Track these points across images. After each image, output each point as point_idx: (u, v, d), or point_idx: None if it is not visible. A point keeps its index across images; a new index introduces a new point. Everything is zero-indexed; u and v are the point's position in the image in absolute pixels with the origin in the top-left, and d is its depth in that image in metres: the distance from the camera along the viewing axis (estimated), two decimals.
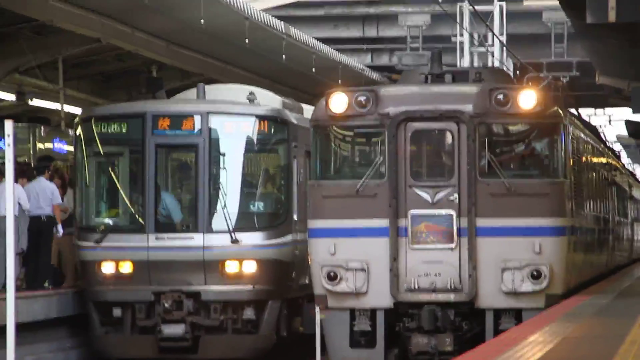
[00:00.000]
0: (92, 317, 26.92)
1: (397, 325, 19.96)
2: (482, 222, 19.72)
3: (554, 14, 43.49)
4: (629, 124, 46.58)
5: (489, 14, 43.52)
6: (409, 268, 19.84)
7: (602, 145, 34.48)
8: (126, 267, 26.66)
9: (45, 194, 27.55)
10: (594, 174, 28.00)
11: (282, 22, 38.34)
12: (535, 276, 19.61)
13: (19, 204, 26.11)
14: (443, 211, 19.84)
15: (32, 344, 25.33)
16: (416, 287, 19.78)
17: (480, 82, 20.73)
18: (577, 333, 16.02)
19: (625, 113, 46.58)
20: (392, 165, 19.92)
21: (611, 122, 53.07)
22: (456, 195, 19.86)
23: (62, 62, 33.95)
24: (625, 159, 54.15)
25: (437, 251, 19.78)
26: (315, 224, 20.64)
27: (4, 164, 17.95)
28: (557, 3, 36.20)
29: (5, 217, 21.42)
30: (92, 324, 26.99)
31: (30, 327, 24.88)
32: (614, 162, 37.87)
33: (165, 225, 26.72)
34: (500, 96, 19.81)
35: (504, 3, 44.83)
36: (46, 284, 27.83)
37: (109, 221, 27.29)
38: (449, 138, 20.01)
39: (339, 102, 20.15)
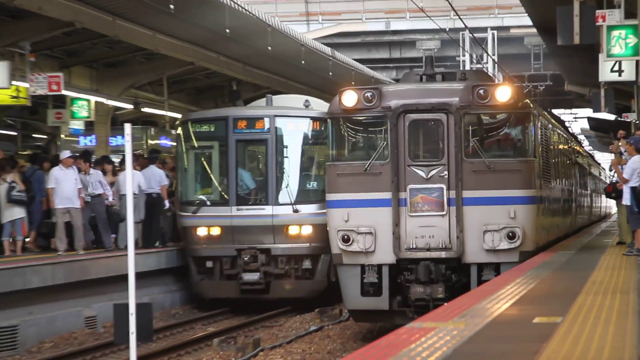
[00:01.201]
0: (191, 268, 27.16)
1: (399, 277, 19.34)
2: (467, 194, 19.05)
3: (533, 39, 43.42)
4: (590, 120, 46.40)
5: (484, 40, 43.51)
6: (408, 231, 19.17)
7: (566, 134, 34.04)
8: (215, 231, 26.86)
9: (155, 178, 27.89)
10: (560, 155, 27.44)
11: (329, 48, 38.58)
12: (511, 237, 18.99)
13: (139, 185, 26.58)
14: (435, 185, 19.17)
15: (148, 287, 25.67)
16: (414, 246, 19.16)
17: (465, 81, 20.05)
18: (550, 277, 16.01)
19: (587, 112, 46.44)
20: (393, 148, 19.27)
21: (576, 119, 52.83)
22: (446, 172, 19.17)
23: (166, 80, 34.29)
24: (587, 147, 54.07)
25: (430, 217, 19.12)
26: (332, 197, 20.04)
27: (124, 156, 18.37)
28: (536, 30, 36.34)
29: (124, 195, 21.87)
30: (190, 273, 27.22)
31: (146, 275, 25.26)
32: (576, 147, 37.34)
33: (244, 199, 26.95)
34: (481, 91, 19.16)
35: (495, 31, 44.80)
36: (157, 244, 28.20)
37: (202, 197, 27.43)
38: (439, 126, 19.34)
39: (349, 97, 19.55)
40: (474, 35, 40.83)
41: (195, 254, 27.11)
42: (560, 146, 27.85)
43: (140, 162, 28.04)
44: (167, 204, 28.27)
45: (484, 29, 44.24)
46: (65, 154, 25.33)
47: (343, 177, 19.66)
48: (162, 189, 27.85)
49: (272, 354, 19.73)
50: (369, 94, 19.38)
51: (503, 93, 19.18)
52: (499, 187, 19.08)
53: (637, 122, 29.36)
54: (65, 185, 24.59)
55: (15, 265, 21.84)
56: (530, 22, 35.30)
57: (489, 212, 19.04)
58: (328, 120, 20.31)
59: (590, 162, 43.91)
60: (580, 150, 40.50)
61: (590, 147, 55.55)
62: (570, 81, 38.64)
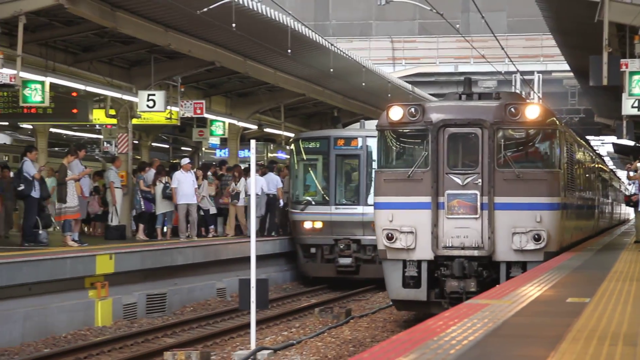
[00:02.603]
0: (299, 252, 27.27)
1: (436, 272, 17.62)
2: (498, 200, 17.33)
3: (570, 81, 42.93)
4: (614, 145, 45.95)
5: (531, 80, 43.08)
6: (445, 231, 17.44)
7: (591, 151, 31.75)
8: (318, 224, 26.91)
9: (273, 182, 28.09)
10: (583, 168, 25.17)
11: (410, 85, 38.31)
12: (537, 239, 17.21)
13: (262, 188, 26.73)
14: (470, 191, 17.46)
15: (265, 267, 25.76)
16: (450, 245, 17.42)
17: (499, 100, 18.41)
18: (578, 268, 15.78)
19: (612, 139, 45.91)
20: (434, 158, 17.58)
21: (603, 144, 52.12)
22: (480, 180, 17.44)
23: (283, 107, 34.47)
24: (611, 166, 53.42)
25: (465, 220, 17.39)
26: (379, 199, 18.13)
27: (249, 165, 18.45)
28: (572, 74, 35.91)
29: (250, 195, 21.97)
30: (298, 256, 27.33)
31: (264, 257, 25.38)
32: (599, 163, 35.24)
33: (340, 200, 27.05)
34: (513, 109, 17.51)
35: (540, 74, 44.33)
36: (273, 233, 28.32)
37: (308, 198, 27.54)
38: (475, 139, 17.66)
39: (396, 112, 17.84)
40: (524, 77, 40.44)
41: (302, 242, 27.22)
42: (584, 161, 25.66)
43: (262, 170, 28.24)
44: (281, 202, 28.41)
45: (532, 72, 43.75)
46: (185, 160, 25.57)
47: (389, 182, 17.96)
48: (277, 190, 27.99)
49: (361, 321, 19.70)
50: (413, 109, 17.79)
51: (532, 111, 17.65)
52: (527, 194, 17.43)
53: None
54: (185, 186, 24.64)
55: (165, 247, 22.10)
56: (568, 68, 34.90)
57: (518, 216, 17.36)
58: (377, 132, 18.46)
59: (611, 176, 43.18)
60: (603, 166, 38.98)
61: (614, 166, 54.70)
62: (599, 114, 38.15)
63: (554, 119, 18.40)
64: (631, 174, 23.07)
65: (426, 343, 7.56)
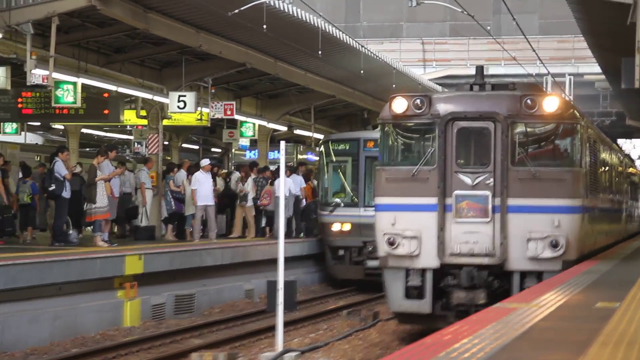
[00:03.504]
0: (327, 254, 27.15)
1: (441, 282, 15.68)
2: (512, 202, 15.45)
3: (601, 83, 42.66)
4: None
5: (563, 83, 42.85)
6: (452, 236, 15.52)
7: (618, 150, 29.17)
8: (347, 227, 26.78)
9: (297, 183, 28.06)
10: (609, 168, 22.80)
11: (440, 87, 38.22)
12: (554, 245, 15.31)
13: (289, 189, 26.72)
14: (481, 192, 15.56)
15: (293, 268, 25.71)
16: (458, 252, 15.51)
17: (514, 91, 16.40)
18: (610, 271, 15.52)
19: None
20: (441, 155, 15.67)
21: (635, 147, 51.83)
22: (492, 179, 15.57)
23: (313, 108, 34.49)
24: None
25: (475, 224, 15.51)
26: (380, 200, 16.25)
27: (278, 167, 18.43)
28: (604, 76, 35.69)
29: (278, 197, 22.01)
30: (327, 258, 27.23)
31: (292, 259, 25.37)
32: (627, 162, 32.47)
33: (370, 202, 26.87)
34: (529, 101, 15.60)
35: (572, 77, 44.10)
36: (301, 235, 28.31)
37: (337, 200, 27.47)
38: (487, 134, 15.74)
39: (399, 104, 15.95)
40: (555, 79, 40.21)
41: (331, 244, 27.13)
42: (610, 160, 23.27)
43: (287, 171, 28.23)
44: (304, 202, 28.36)
45: (563, 75, 43.53)
46: (205, 161, 25.56)
47: (391, 182, 16.09)
48: (301, 190, 27.96)
49: (388, 324, 19.64)
50: (418, 101, 15.89)
51: (551, 103, 15.71)
52: (543, 195, 15.56)
53: None
54: (204, 187, 24.48)
55: (193, 248, 22.14)
56: (600, 70, 34.67)
57: (533, 220, 15.46)
58: (379, 125, 16.71)
59: None
60: (633, 167, 36.85)
61: None
62: (630, 117, 37.90)
63: (575, 112, 16.65)
64: None
65: (454, 347, 7.52)
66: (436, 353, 7.24)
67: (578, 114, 16.58)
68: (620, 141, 39.27)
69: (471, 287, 15.40)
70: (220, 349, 15.84)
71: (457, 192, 15.69)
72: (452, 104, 16.07)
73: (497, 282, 15.54)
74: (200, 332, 18.39)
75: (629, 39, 19.46)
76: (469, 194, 15.67)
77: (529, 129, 15.99)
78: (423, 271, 15.76)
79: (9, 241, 21.97)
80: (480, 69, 17.20)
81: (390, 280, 15.98)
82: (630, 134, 44.43)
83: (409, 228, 15.70)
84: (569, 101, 16.98)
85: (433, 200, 15.69)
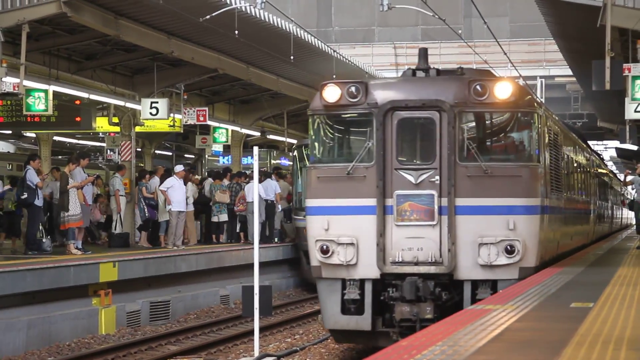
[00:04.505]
0: (302, 259, 26.98)
1: (382, 294, 13.64)
2: (460, 202, 13.47)
3: (572, 85, 42.99)
4: (617, 149, 46.08)
5: (534, 85, 43.09)
6: (394, 243, 13.53)
7: (586, 148, 26.81)
8: None
9: (271, 188, 27.96)
10: (575, 165, 20.77)
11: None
12: (510, 251, 13.43)
13: (259, 194, 26.63)
14: (425, 192, 13.54)
15: (269, 273, 25.76)
16: (400, 260, 13.48)
17: (462, 76, 14.26)
18: (583, 272, 15.31)
19: (615, 143, 46.03)
20: (379, 150, 13.62)
21: (606, 148, 52.19)
22: (437, 177, 13.56)
23: (286, 113, 34.52)
24: (615, 170, 53.43)
25: (419, 228, 13.51)
26: (311, 202, 14.14)
27: (251, 173, 18.38)
28: (575, 79, 35.96)
29: (252, 202, 21.97)
30: (301, 263, 27.06)
31: (267, 264, 25.37)
32: (597, 161, 30.28)
33: None
34: (478, 87, 13.57)
35: (543, 79, 44.36)
36: (275, 240, 28.30)
37: None
38: (431, 125, 13.68)
39: (332, 92, 13.81)
40: (527, 82, 40.43)
41: (305, 248, 26.84)
42: (576, 157, 21.32)
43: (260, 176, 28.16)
44: (279, 207, 28.33)
45: (534, 77, 43.80)
46: (178, 167, 25.46)
47: (323, 181, 13.97)
48: (275, 196, 27.94)
49: None
50: (353, 89, 13.78)
51: (503, 89, 13.69)
52: (497, 194, 13.62)
53: None
54: (178, 193, 24.28)
55: (167, 254, 22.10)
56: (571, 73, 34.96)
57: (485, 222, 13.56)
58: (309, 117, 14.41)
59: (611, 176, 40.08)
60: (602, 165, 35.07)
61: (617, 170, 54.72)
62: (601, 119, 38.21)
63: (532, 98, 14.61)
64: (628, 178, 22.38)
65: (430, 349, 7.55)
66: (411, 355, 7.26)
67: (535, 102, 14.66)
68: (591, 143, 39.42)
69: (416, 299, 13.43)
70: (196, 355, 15.81)
71: (398, 192, 13.71)
72: (391, 92, 14.02)
73: (445, 293, 13.60)
74: (177, 339, 18.34)
75: (598, 41, 19.62)
76: (411, 194, 13.71)
77: (479, 119, 14.06)
78: (362, 282, 13.75)
79: None
80: (423, 51, 14.81)
81: (324, 294, 13.95)
82: (602, 135, 44.75)
83: (344, 234, 13.73)
84: (525, 87, 14.64)
85: (371, 202, 13.71)
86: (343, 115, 14.12)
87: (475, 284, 13.65)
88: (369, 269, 13.65)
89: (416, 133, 13.99)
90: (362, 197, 13.75)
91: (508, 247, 13.55)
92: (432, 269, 13.53)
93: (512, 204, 13.72)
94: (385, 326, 13.82)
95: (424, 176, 13.70)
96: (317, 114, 14.15)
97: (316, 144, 14.34)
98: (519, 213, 13.71)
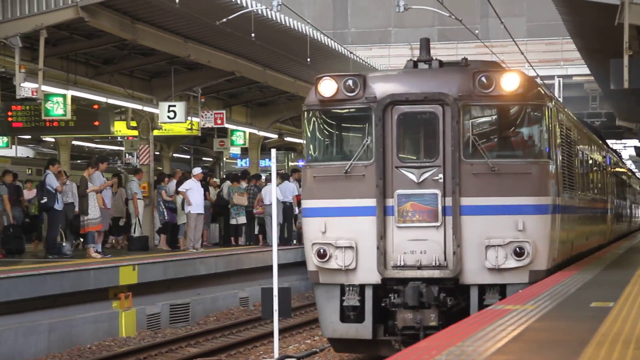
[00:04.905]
0: None
1: (384, 301, 12.76)
2: (466, 201, 12.54)
3: (591, 85, 42.88)
4: (636, 148, 45.95)
5: (552, 85, 42.99)
6: (395, 246, 12.64)
7: (603, 145, 25.52)
8: None
9: (289, 190, 27.97)
10: (591, 163, 19.69)
11: None
12: (519, 253, 12.53)
13: (277, 197, 26.65)
14: (428, 191, 12.63)
15: (287, 275, 25.71)
16: (402, 264, 12.60)
17: (466, 68, 13.28)
18: (603, 272, 15.19)
19: (634, 142, 45.90)
20: (379, 147, 12.71)
21: (625, 147, 52.01)
22: (441, 175, 12.65)
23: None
24: (635, 169, 53.22)
25: (422, 229, 12.61)
26: (307, 203, 13.26)
27: (269, 175, 18.42)
28: (593, 78, 35.84)
29: (270, 204, 22.01)
30: None
31: (286, 266, 25.37)
32: (614, 159, 28.75)
33: None
34: (484, 79, 12.60)
35: (561, 79, 44.28)
36: (294, 241, 28.29)
37: None
38: (433, 120, 12.76)
39: (328, 86, 12.88)
40: (545, 81, 40.36)
41: None
42: (592, 154, 20.19)
43: (278, 179, 28.24)
44: (295, 209, 28.33)
45: (552, 77, 43.72)
46: (196, 170, 25.55)
47: (320, 181, 13.02)
48: (294, 198, 27.95)
49: None
50: (350, 82, 12.86)
51: (510, 81, 12.68)
52: (504, 193, 12.68)
53: None
54: (196, 195, 24.30)
55: (186, 257, 22.18)
56: (588, 72, 34.84)
57: (493, 223, 12.65)
58: (303, 113, 13.41)
59: (630, 175, 38.94)
60: (620, 163, 33.61)
61: (636, 169, 54.54)
62: (620, 117, 38.05)
63: (541, 90, 13.57)
64: None
65: (449, 349, 7.55)
66: (431, 356, 7.27)
67: (545, 95, 13.68)
68: (610, 142, 39.31)
69: (419, 306, 12.56)
70: (217, 357, 15.85)
71: (399, 191, 12.82)
72: (391, 85, 13.07)
73: (450, 299, 12.73)
74: (197, 341, 18.40)
75: (616, 40, 19.54)
76: (414, 194, 12.80)
77: (485, 113, 13.15)
78: (361, 288, 12.89)
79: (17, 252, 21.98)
80: (425, 41, 13.92)
81: (322, 300, 13.11)
82: (620, 134, 44.60)
83: (343, 236, 12.86)
84: (534, 79, 13.55)
85: (371, 202, 12.80)
86: (340, 111, 13.16)
87: (483, 288, 12.79)
88: (369, 274, 12.79)
89: (418, 128, 13.13)
90: (361, 198, 12.88)
91: (517, 249, 12.67)
92: (436, 273, 12.69)
93: (521, 203, 12.81)
94: (387, 334, 13.00)
95: (427, 174, 12.83)
96: (312, 109, 13.21)
97: (311, 141, 13.42)
98: (529, 213, 12.80)
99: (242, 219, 27.46)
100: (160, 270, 20.38)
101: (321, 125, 13.31)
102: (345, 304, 12.93)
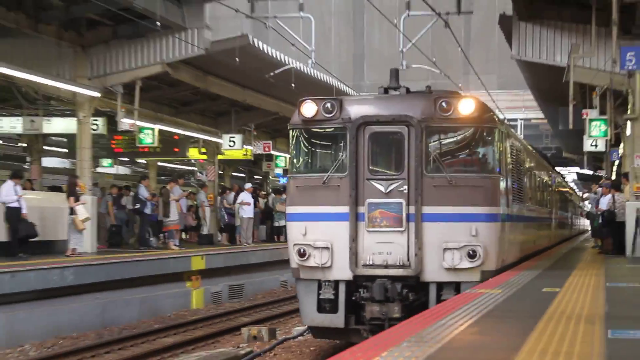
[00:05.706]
0: None
1: (354, 294, 11.61)
2: (427, 210, 11.41)
3: (544, 126, 42.69)
4: (578, 173, 45.70)
5: (515, 126, 42.82)
6: (365, 247, 11.43)
7: (550, 167, 23.61)
8: None
9: None
10: (538, 180, 18.43)
11: None
12: (472, 255, 11.40)
13: None
14: (394, 200, 11.45)
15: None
16: (371, 263, 11.41)
17: (429, 94, 12.17)
18: (551, 266, 15.10)
19: (575, 169, 45.81)
20: (352, 161, 11.54)
21: (569, 173, 51.70)
22: (406, 187, 11.48)
23: None
24: (577, 189, 52.78)
25: (389, 233, 11.44)
26: (291, 209, 11.99)
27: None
28: (546, 120, 35.75)
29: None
30: None
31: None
32: (559, 180, 27.28)
33: None
34: (444, 104, 11.56)
35: (522, 121, 44.07)
36: None
37: None
38: (400, 139, 11.60)
39: (309, 108, 11.86)
40: (510, 123, 40.28)
41: None
42: (539, 173, 18.90)
43: None
44: None
45: (516, 119, 43.56)
46: (248, 185, 25.67)
47: (302, 190, 11.84)
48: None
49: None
50: (328, 105, 11.80)
51: (466, 106, 11.64)
52: (460, 203, 11.54)
53: (605, 175, 28.60)
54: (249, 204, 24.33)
55: (242, 250, 22.27)
56: (543, 116, 34.82)
57: (450, 229, 11.49)
58: (289, 131, 12.20)
59: (571, 192, 37.03)
60: (563, 182, 31.23)
61: (577, 189, 54.09)
62: (566, 151, 37.99)
63: (493, 115, 12.33)
64: (585, 195, 22.05)
65: (437, 322, 7.58)
66: (423, 327, 7.29)
67: (497, 119, 12.42)
68: (558, 169, 39.04)
69: (385, 300, 11.41)
70: (263, 324, 15.93)
71: (369, 200, 11.53)
72: (364, 108, 11.91)
73: (412, 294, 11.52)
74: (248, 313, 18.44)
75: (564, 92, 19.62)
76: (382, 202, 11.53)
77: (444, 134, 11.81)
78: (336, 283, 11.66)
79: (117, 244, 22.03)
80: (394, 71, 12.95)
81: (302, 293, 11.90)
82: (566, 163, 44.47)
83: (320, 238, 11.60)
84: (487, 105, 12.41)
85: (345, 209, 11.52)
86: (319, 129, 11.92)
87: (440, 285, 11.58)
88: (342, 271, 11.54)
89: (386, 146, 11.82)
90: (336, 205, 11.59)
91: (470, 251, 11.45)
92: (400, 272, 11.43)
93: (474, 212, 11.61)
94: (357, 324, 11.80)
95: (393, 186, 11.56)
96: (296, 127, 12.04)
97: (295, 155, 12.19)
98: (481, 220, 11.60)
99: (283, 222, 27.48)
100: (221, 259, 20.49)
101: (303, 142, 12.09)
102: (321, 297, 11.72)
